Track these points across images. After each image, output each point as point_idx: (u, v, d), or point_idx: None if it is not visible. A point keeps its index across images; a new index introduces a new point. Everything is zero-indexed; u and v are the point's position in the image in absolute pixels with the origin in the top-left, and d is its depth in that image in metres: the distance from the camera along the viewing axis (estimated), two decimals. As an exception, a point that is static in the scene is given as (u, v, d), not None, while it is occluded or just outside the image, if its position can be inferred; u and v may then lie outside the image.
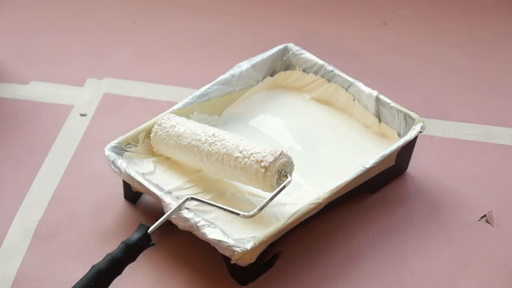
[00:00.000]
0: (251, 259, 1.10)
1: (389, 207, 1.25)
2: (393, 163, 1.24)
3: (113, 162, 1.19)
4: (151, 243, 1.09)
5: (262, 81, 1.38)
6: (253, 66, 1.35)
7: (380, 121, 1.30)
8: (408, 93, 1.45)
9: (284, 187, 1.13)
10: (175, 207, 1.12)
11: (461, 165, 1.32)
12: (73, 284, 1.08)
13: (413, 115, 1.25)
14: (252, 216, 1.11)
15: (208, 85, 1.31)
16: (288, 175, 1.15)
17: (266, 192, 1.17)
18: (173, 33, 1.59)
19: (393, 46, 1.56)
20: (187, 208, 1.13)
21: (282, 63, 1.39)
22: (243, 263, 1.10)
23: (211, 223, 1.11)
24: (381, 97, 1.29)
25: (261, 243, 1.09)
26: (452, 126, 1.39)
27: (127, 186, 1.23)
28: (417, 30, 1.60)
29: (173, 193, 1.18)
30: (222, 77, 1.33)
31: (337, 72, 1.34)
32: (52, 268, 1.17)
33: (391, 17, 1.63)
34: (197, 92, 1.30)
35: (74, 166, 1.31)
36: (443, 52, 1.55)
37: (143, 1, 1.66)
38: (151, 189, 1.16)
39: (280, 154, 1.14)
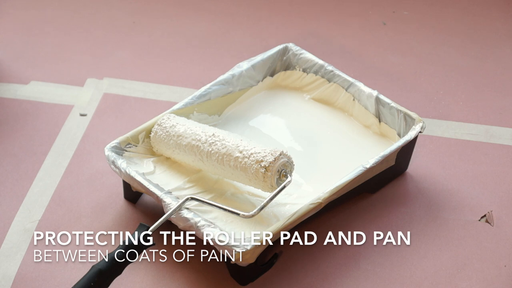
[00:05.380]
0: (251, 259, 1.10)
1: (389, 207, 1.25)
2: (393, 163, 1.24)
3: (113, 162, 1.19)
4: (151, 243, 1.09)
5: (262, 81, 1.38)
6: (253, 66, 1.35)
7: (380, 121, 1.30)
8: (408, 93, 1.45)
9: (284, 187, 1.13)
10: (175, 207, 1.12)
11: (461, 165, 1.32)
12: (73, 284, 1.09)
13: (413, 115, 1.25)
14: (252, 216, 1.11)
15: (208, 85, 1.31)
16: (288, 175, 1.15)
17: (266, 192, 1.17)
18: (173, 33, 1.59)
19: (393, 46, 1.56)
20: (187, 208, 1.14)
21: (282, 63, 1.39)
22: (243, 263, 1.10)
23: (211, 223, 1.11)
24: (381, 97, 1.29)
25: (261, 243, 1.09)
26: (452, 126, 1.39)
27: (127, 186, 1.23)
28: (417, 30, 1.60)
29: (173, 193, 1.18)
30: (222, 77, 1.33)
31: (337, 72, 1.34)
32: (52, 268, 1.17)
33: (391, 17, 1.63)
34: (197, 92, 1.30)
35: (74, 166, 1.31)
36: (443, 52, 1.55)
37: (143, 1, 1.66)
38: (151, 189, 1.16)
39: (280, 154, 1.14)
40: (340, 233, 1.21)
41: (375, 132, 1.30)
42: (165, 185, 1.20)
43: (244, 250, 1.08)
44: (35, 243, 1.20)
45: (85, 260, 1.17)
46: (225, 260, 1.13)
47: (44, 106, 1.42)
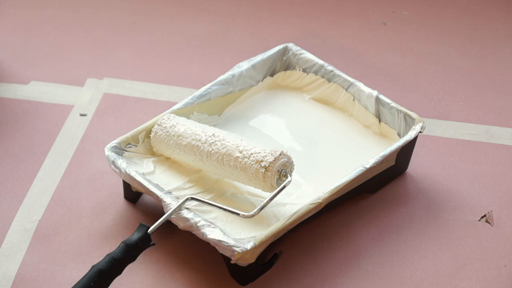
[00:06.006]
0: (251, 259, 1.10)
1: (389, 207, 1.25)
2: (393, 163, 1.24)
3: (113, 162, 1.19)
4: (151, 243, 1.09)
5: (262, 81, 1.38)
6: (253, 66, 1.35)
7: (380, 121, 1.30)
8: (408, 93, 1.45)
9: (284, 187, 1.13)
10: (175, 207, 1.12)
11: (461, 165, 1.32)
12: (73, 284, 1.09)
13: (413, 115, 1.25)
14: (252, 216, 1.11)
15: (208, 85, 1.31)
16: (288, 175, 1.15)
17: (266, 192, 1.17)
18: (173, 33, 1.59)
19: (393, 46, 1.56)
20: (187, 208, 1.13)
21: (282, 63, 1.39)
22: (243, 263, 1.10)
23: (211, 223, 1.11)
24: (381, 97, 1.29)
25: (261, 243, 1.09)
26: (452, 126, 1.39)
27: (127, 186, 1.23)
28: (417, 30, 1.60)
29: (173, 193, 1.18)
30: (222, 77, 1.33)
31: (337, 72, 1.34)
32: (52, 268, 1.17)
33: (391, 17, 1.63)
34: (197, 92, 1.30)
35: (74, 166, 1.31)
36: (443, 52, 1.55)
37: (143, 1, 1.66)
38: (151, 189, 1.16)
39: (280, 154, 1.14)
40: (340, 233, 1.21)
41: (375, 132, 1.30)
42: (165, 185, 1.20)
43: (244, 250, 1.08)
44: (35, 243, 1.20)
45: (85, 260, 1.17)
46: (225, 260, 1.13)
47: (44, 106, 1.42)
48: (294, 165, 1.16)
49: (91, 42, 1.57)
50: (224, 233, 1.10)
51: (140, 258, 1.15)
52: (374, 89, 1.30)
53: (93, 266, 1.06)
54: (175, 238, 1.20)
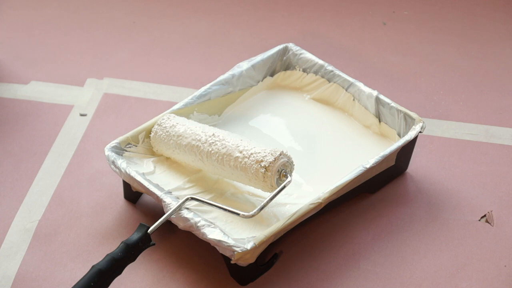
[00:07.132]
0: (251, 259, 1.10)
1: (389, 207, 1.25)
2: (393, 163, 1.24)
3: (113, 162, 1.19)
4: (151, 243, 1.10)
5: (262, 81, 1.38)
6: (253, 66, 1.35)
7: (380, 121, 1.30)
8: (408, 93, 1.45)
9: (284, 187, 1.13)
10: (175, 207, 1.12)
11: (461, 165, 1.32)
12: (73, 284, 1.09)
13: (413, 115, 1.25)
14: (252, 216, 1.11)
15: (208, 85, 1.31)
16: (288, 175, 1.15)
17: (266, 192, 1.17)
18: (173, 33, 1.59)
19: (393, 46, 1.56)
20: (187, 208, 1.13)
21: (282, 63, 1.39)
22: (243, 263, 1.10)
23: (211, 223, 1.11)
24: (381, 97, 1.29)
25: (261, 243, 1.09)
26: (452, 126, 1.39)
27: (127, 186, 1.23)
28: (417, 30, 1.60)
29: (173, 193, 1.18)
30: (222, 77, 1.33)
31: (337, 72, 1.34)
32: (52, 268, 1.17)
33: (391, 17, 1.63)
34: (197, 92, 1.30)
35: (74, 166, 1.31)
36: (443, 52, 1.55)
37: (143, 1, 1.66)
38: (151, 189, 1.16)
39: (280, 154, 1.14)
40: (340, 233, 1.21)
41: (375, 132, 1.30)
42: (165, 185, 1.20)
43: (244, 250, 1.08)
44: (35, 243, 1.20)
45: (85, 260, 1.17)
46: (225, 260, 1.13)
47: (44, 106, 1.42)
48: (294, 165, 1.16)
49: (91, 42, 1.57)
50: (224, 233, 1.10)
51: (140, 258, 1.15)
52: (374, 89, 1.30)
53: (93, 266, 1.06)
54: (175, 238, 1.20)
